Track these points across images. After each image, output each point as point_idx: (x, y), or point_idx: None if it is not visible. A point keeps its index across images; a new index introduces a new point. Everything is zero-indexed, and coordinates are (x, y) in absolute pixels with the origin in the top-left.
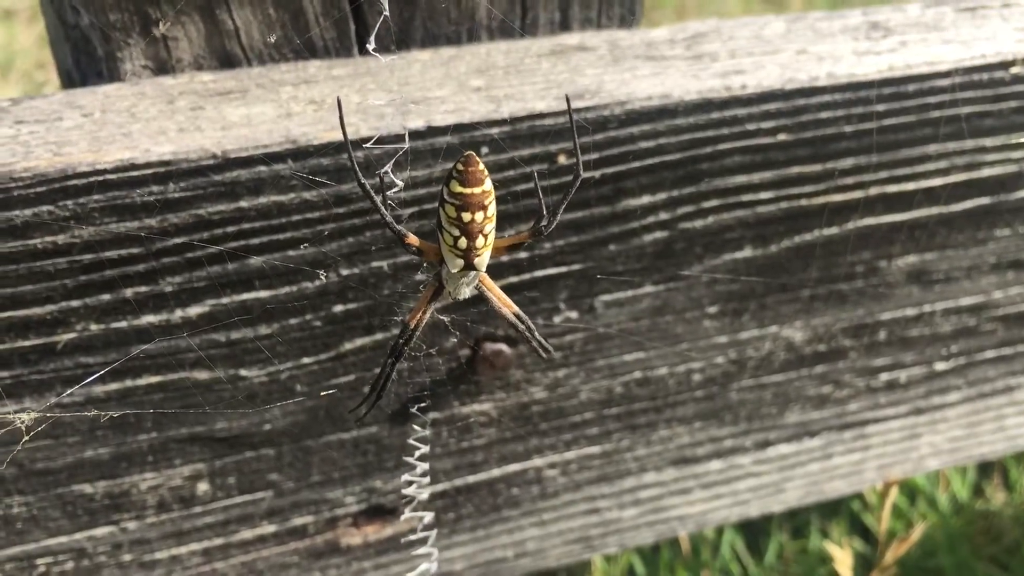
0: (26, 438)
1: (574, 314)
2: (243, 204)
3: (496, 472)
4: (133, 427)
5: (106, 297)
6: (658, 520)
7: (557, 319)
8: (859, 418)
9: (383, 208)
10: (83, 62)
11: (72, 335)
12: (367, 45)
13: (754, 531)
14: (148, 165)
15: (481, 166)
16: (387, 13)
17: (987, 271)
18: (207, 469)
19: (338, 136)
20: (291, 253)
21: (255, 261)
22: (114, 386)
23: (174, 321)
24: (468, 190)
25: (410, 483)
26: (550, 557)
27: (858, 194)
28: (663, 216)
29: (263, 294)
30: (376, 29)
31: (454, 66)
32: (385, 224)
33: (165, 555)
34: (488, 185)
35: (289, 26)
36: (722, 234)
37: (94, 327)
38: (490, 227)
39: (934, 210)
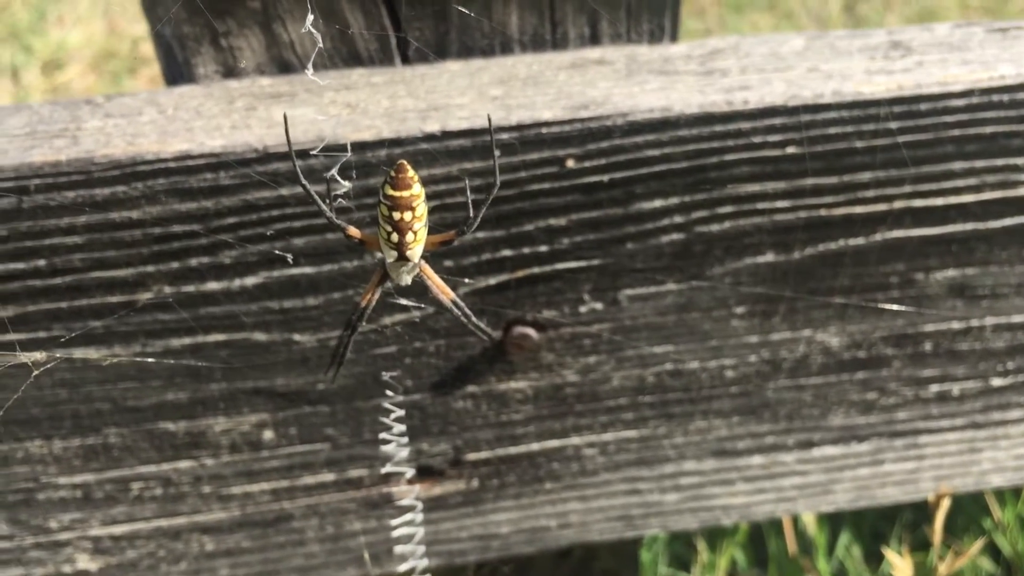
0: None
1: (599, 305)
2: (283, 192)
3: (535, 446)
4: (205, 377)
5: (175, 265)
6: (701, 508)
7: (583, 309)
8: (910, 427)
9: (323, 205)
10: (171, 65)
11: (149, 295)
12: (408, 55)
13: (876, 539)
14: (202, 156)
15: (411, 173)
16: (320, 46)
17: None
18: (271, 419)
19: (364, 136)
20: (329, 237)
21: (297, 241)
22: (187, 340)
23: (233, 289)
24: (398, 193)
25: (456, 448)
26: (593, 531)
27: (882, 207)
28: (678, 219)
29: (308, 270)
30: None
31: (479, 76)
32: (327, 220)
33: (239, 491)
34: (416, 189)
35: (337, 39)
36: (741, 239)
37: (167, 289)
38: (419, 225)
39: (969, 226)
